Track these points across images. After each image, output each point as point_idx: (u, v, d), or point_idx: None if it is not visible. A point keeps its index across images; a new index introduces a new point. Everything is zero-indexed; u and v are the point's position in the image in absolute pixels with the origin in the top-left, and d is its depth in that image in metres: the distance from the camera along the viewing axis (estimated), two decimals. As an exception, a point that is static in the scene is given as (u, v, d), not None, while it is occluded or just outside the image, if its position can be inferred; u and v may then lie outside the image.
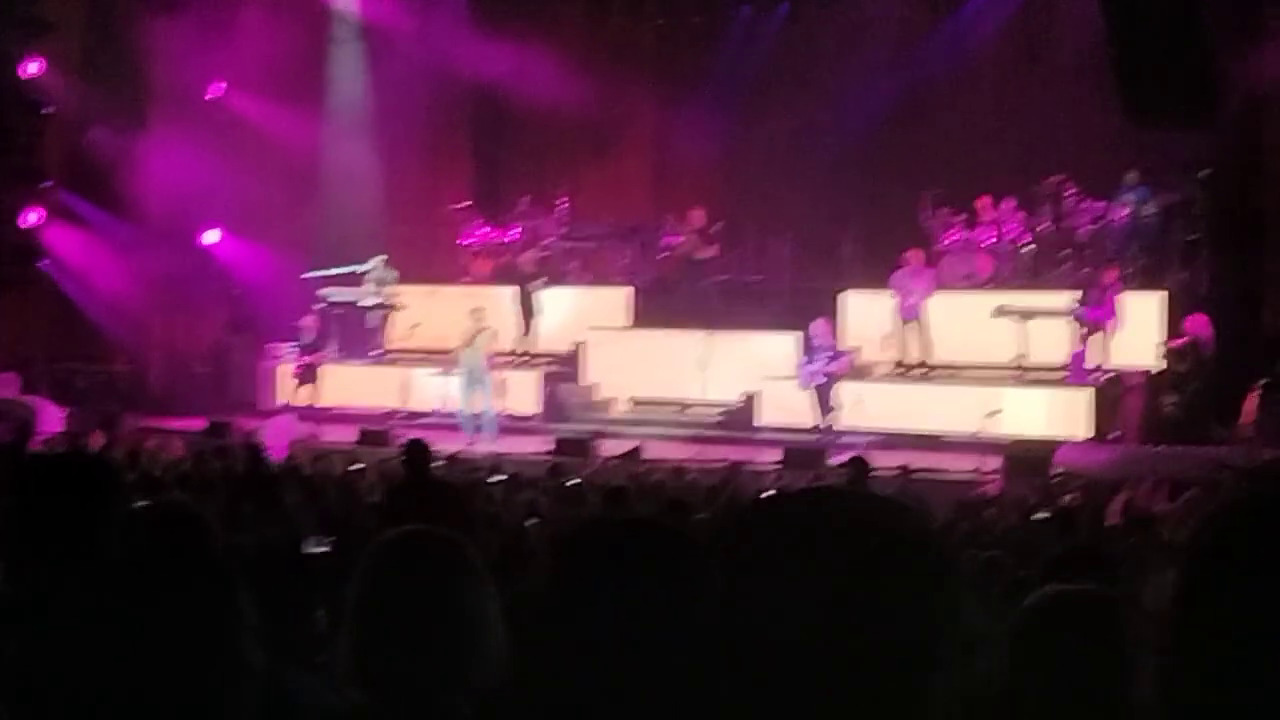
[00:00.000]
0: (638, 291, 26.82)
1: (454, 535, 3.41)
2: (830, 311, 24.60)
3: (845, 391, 22.67)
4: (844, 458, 19.55)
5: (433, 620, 3.20)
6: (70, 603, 3.32)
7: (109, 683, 2.51)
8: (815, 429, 22.50)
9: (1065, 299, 22.57)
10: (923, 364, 23.77)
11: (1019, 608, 2.84)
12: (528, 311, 26.44)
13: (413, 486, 11.69)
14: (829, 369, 22.58)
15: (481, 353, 23.88)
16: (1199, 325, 21.60)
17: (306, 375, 25.81)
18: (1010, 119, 25.77)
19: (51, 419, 24.42)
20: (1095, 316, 22.16)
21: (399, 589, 3.24)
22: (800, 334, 23.60)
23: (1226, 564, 1.65)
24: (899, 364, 24.02)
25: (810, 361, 22.67)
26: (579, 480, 17.23)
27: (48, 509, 3.50)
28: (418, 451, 12.21)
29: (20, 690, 3.23)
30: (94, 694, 2.49)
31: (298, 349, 26.28)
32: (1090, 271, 23.34)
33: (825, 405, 22.62)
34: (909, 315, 23.70)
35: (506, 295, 26.55)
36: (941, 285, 23.98)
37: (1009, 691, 2.57)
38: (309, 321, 26.34)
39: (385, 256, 27.23)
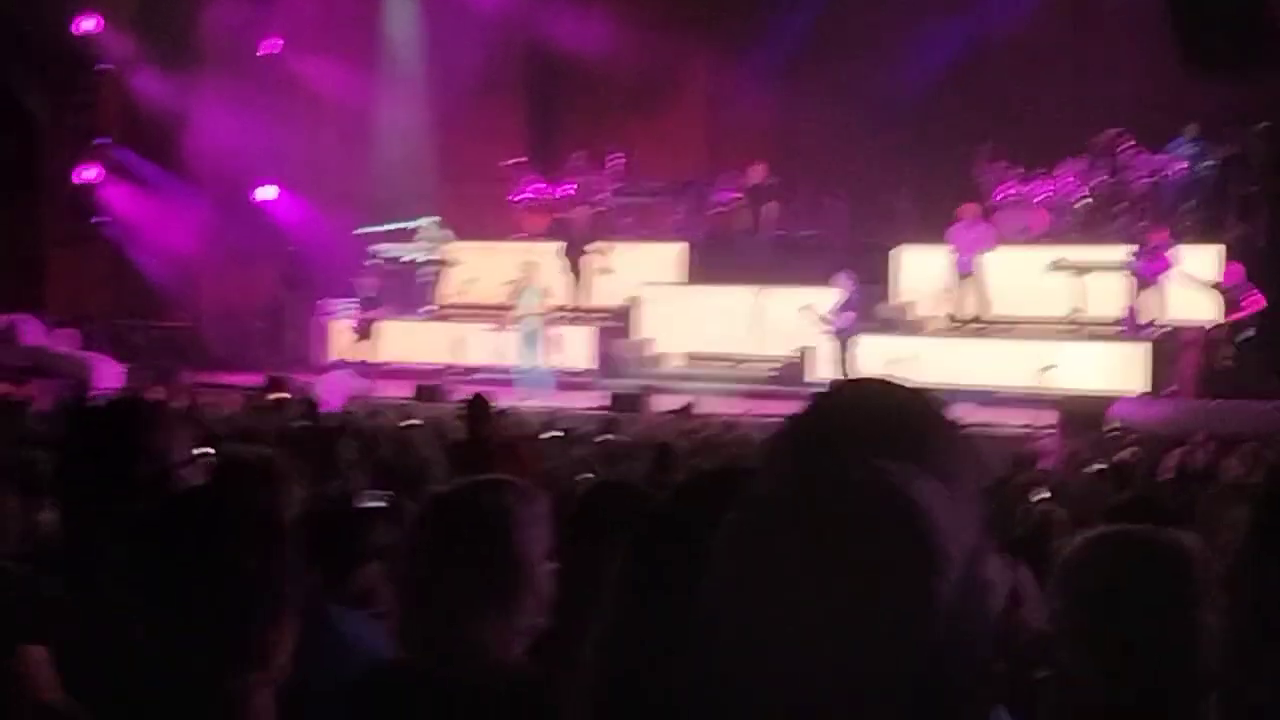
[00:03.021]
0: (691, 247, 26.76)
1: (501, 480, 3.40)
2: (885, 266, 24.56)
3: (890, 347, 22.58)
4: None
5: (478, 572, 3.19)
6: (122, 545, 3.35)
7: (158, 623, 2.52)
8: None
9: (1121, 253, 22.43)
10: (978, 319, 23.66)
11: (1075, 545, 2.80)
12: (578, 269, 26.39)
13: (473, 442, 11.73)
14: (839, 323, 22.54)
15: (533, 308, 23.90)
16: (1254, 302, 21.32)
17: (362, 330, 25.90)
18: (1066, 72, 25.58)
19: (109, 375, 24.56)
20: (1149, 271, 22.00)
21: (440, 547, 3.23)
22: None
23: None
24: (953, 319, 23.92)
25: (837, 314, 22.71)
26: (629, 437, 17.24)
27: (100, 454, 3.51)
28: (479, 408, 12.22)
29: (72, 632, 3.25)
30: (143, 634, 2.50)
31: (356, 305, 26.34)
32: (1144, 226, 23.19)
33: (844, 359, 22.60)
34: (965, 270, 23.59)
35: (557, 251, 26.50)
36: (997, 240, 23.85)
37: (1069, 630, 2.54)
38: (364, 277, 26.39)
39: (439, 218, 27.25)
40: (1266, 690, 1.80)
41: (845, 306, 22.75)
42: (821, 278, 23.42)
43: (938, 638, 1.64)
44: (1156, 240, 22.24)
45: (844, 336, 22.70)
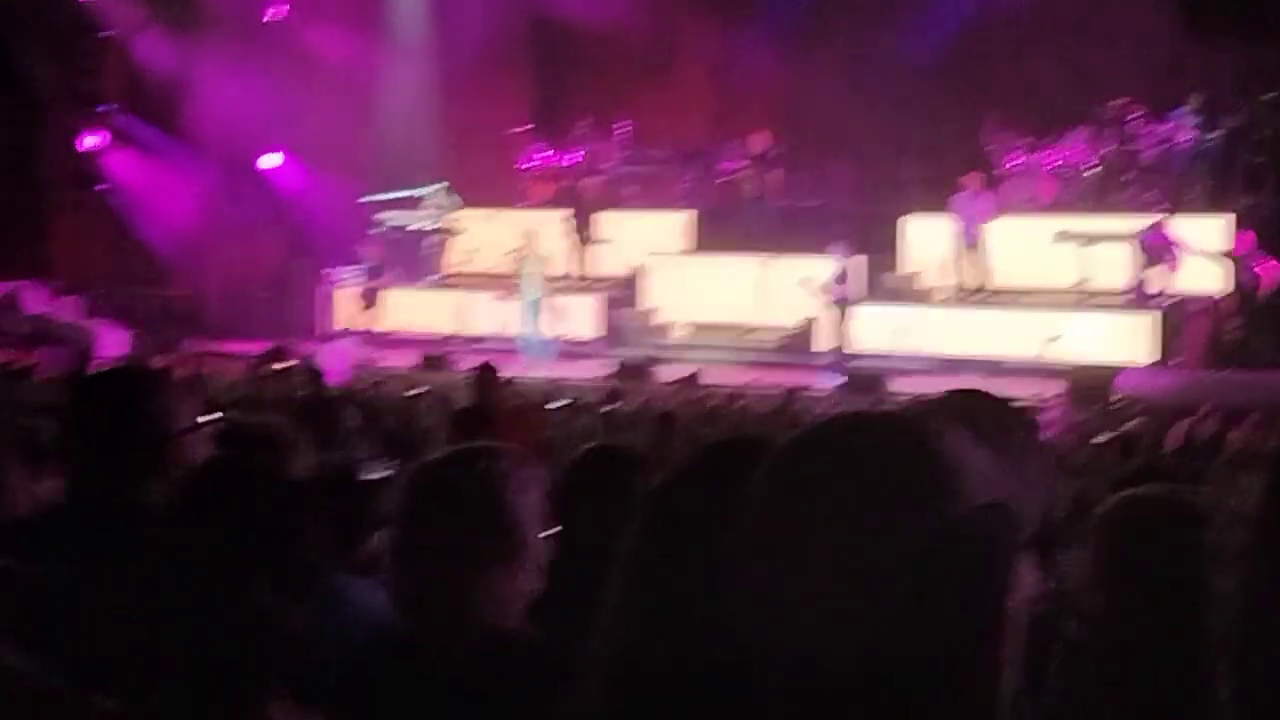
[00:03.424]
0: (697, 216, 26.72)
1: (493, 446, 3.37)
2: (892, 235, 24.54)
3: (896, 316, 22.56)
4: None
5: (475, 537, 3.17)
6: (135, 514, 3.32)
7: (169, 594, 2.49)
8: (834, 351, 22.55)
9: (1129, 223, 22.39)
10: (981, 289, 23.60)
11: (1099, 513, 2.80)
12: (584, 238, 26.31)
13: (479, 410, 11.70)
14: (836, 293, 22.51)
15: (535, 277, 23.87)
16: (1270, 270, 21.27)
17: (366, 299, 25.85)
18: (1074, 41, 25.46)
19: (113, 343, 24.58)
20: (1157, 241, 21.95)
21: (434, 513, 3.21)
22: (866, 257, 23.68)
23: None
24: (960, 289, 23.88)
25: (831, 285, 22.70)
26: (635, 407, 17.24)
27: (104, 422, 3.48)
28: (487, 376, 12.19)
29: (75, 601, 3.22)
30: (151, 604, 2.47)
31: (361, 273, 26.29)
32: (1154, 194, 23.17)
33: (841, 328, 22.60)
34: (969, 240, 23.55)
35: (563, 219, 26.44)
36: (1004, 209, 23.80)
37: (1093, 595, 2.54)
38: (369, 245, 26.34)
39: (447, 184, 27.21)
40: (1277, 662, 1.77)
41: (840, 276, 22.69)
42: (830, 247, 23.37)
43: (932, 575, 1.62)
44: (1161, 223, 22.21)
45: (842, 306, 22.66)
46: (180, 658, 2.41)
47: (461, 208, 27.38)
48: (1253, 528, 1.75)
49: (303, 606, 2.55)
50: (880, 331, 22.47)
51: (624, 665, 2.10)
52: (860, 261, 23.58)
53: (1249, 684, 1.85)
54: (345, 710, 2.94)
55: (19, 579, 3.29)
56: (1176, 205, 22.62)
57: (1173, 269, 21.91)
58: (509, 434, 9.61)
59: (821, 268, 23.00)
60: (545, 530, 3.27)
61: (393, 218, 27.46)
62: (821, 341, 22.97)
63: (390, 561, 3.32)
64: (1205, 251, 21.73)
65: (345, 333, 25.71)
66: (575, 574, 3.15)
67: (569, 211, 26.48)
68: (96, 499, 3.43)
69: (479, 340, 24.57)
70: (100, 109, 30.09)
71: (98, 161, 30.06)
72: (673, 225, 26.76)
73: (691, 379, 21.30)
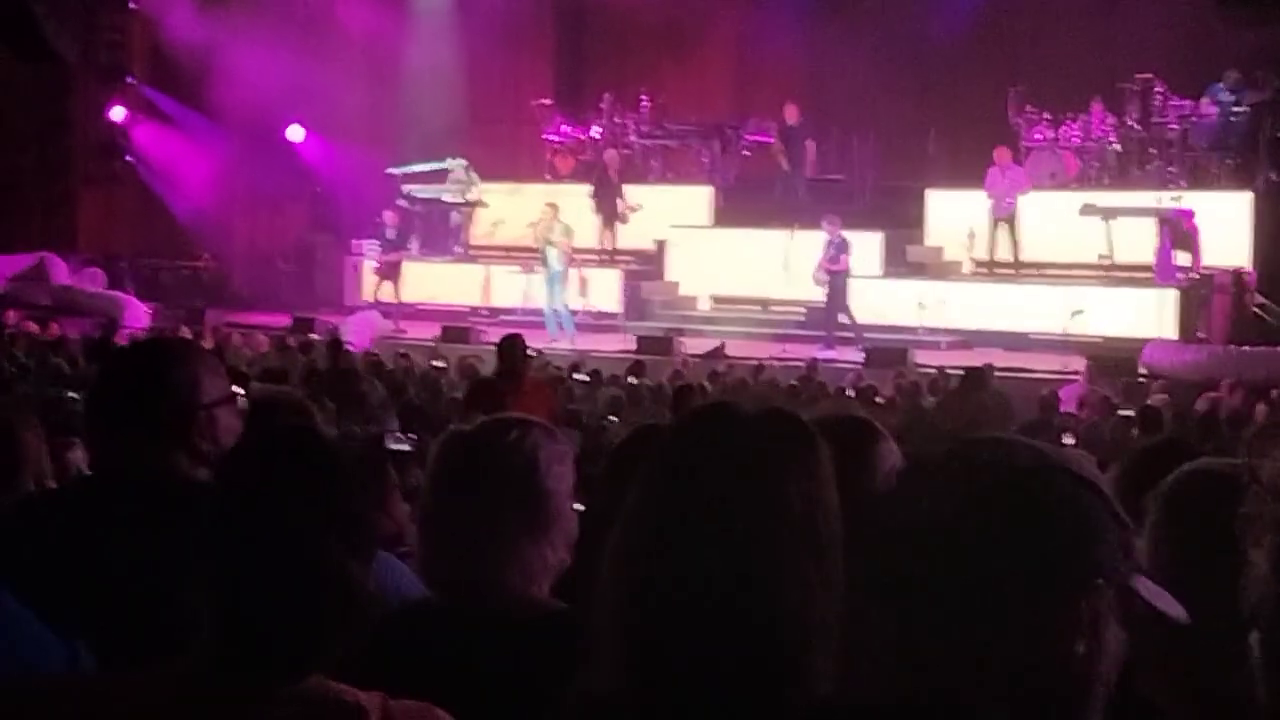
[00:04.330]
0: (719, 190, 26.69)
1: (525, 419, 3.39)
2: (914, 211, 24.50)
3: (920, 290, 22.51)
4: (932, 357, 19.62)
5: (499, 514, 3.18)
6: (163, 486, 3.35)
7: (235, 560, 2.50)
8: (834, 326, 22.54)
9: (1152, 198, 22.34)
10: (1011, 263, 23.52)
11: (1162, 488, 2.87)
12: (607, 212, 26.11)
13: (502, 380, 11.70)
14: (831, 266, 22.44)
15: (559, 249, 23.86)
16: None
17: (389, 272, 25.81)
18: (1097, 16, 25.37)
19: (137, 315, 24.65)
20: (1180, 216, 21.90)
21: (465, 482, 3.22)
22: (882, 233, 23.67)
23: None
24: (981, 263, 23.82)
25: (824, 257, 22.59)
26: (660, 381, 17.28)
27: (131, 393, 3.50)
28: (512, 347, 12.17)
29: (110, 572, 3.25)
30: (212, 571, 2.49)
31: (380, 245, 26.31)
32: (1176, 170, 23.14)
33: (835, 303, 22.49)
34: (1001, 213, 23.39)
35: (587, 193, 26.35)
36: (1030, 183, 23.75)
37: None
38: (391, 217, 26.34)
39: (466, 161, 27.15)
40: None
41: (834, 250, 22.53)
42: (853, 221, 23.34)
43: None
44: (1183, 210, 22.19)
45: (835, 282, 22.48)
46: (243, 622, 2.43)
47: (480, 184, 27.32)
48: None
49: (371, 569, 2.58)
50: (903, 305, 22.43)
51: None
52: (873, 237, 23.58)
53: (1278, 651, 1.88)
54: (371, 682, 2.96)
55: (51, 548, 3.32)
56: (1197, 181, 22.56)
57: (1194, 250, 21.86)
58: (528, 406, 9.61)
59: (808, 244, 22.95)
60: (576, 503, 3.29)
61: (417, 190, 27.45)
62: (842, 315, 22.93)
63: (420, 532, 3.34)
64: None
65: (370, 305, 25.72)
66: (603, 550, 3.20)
67: (592, 186, 26.35)
68: (124, 471, 3.45)
69: (503, 312, 24.57)
70: (126, 81, 30.14)
71: (124, 134, 30.11)
72: (695, 198, 26.72)
73: (717, 351, 21.33)
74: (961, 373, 16.93)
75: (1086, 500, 1.95)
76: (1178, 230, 21.89)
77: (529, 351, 13.21)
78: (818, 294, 22.99)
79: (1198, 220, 21.83)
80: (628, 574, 2.18)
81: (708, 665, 2.10)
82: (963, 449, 1.98)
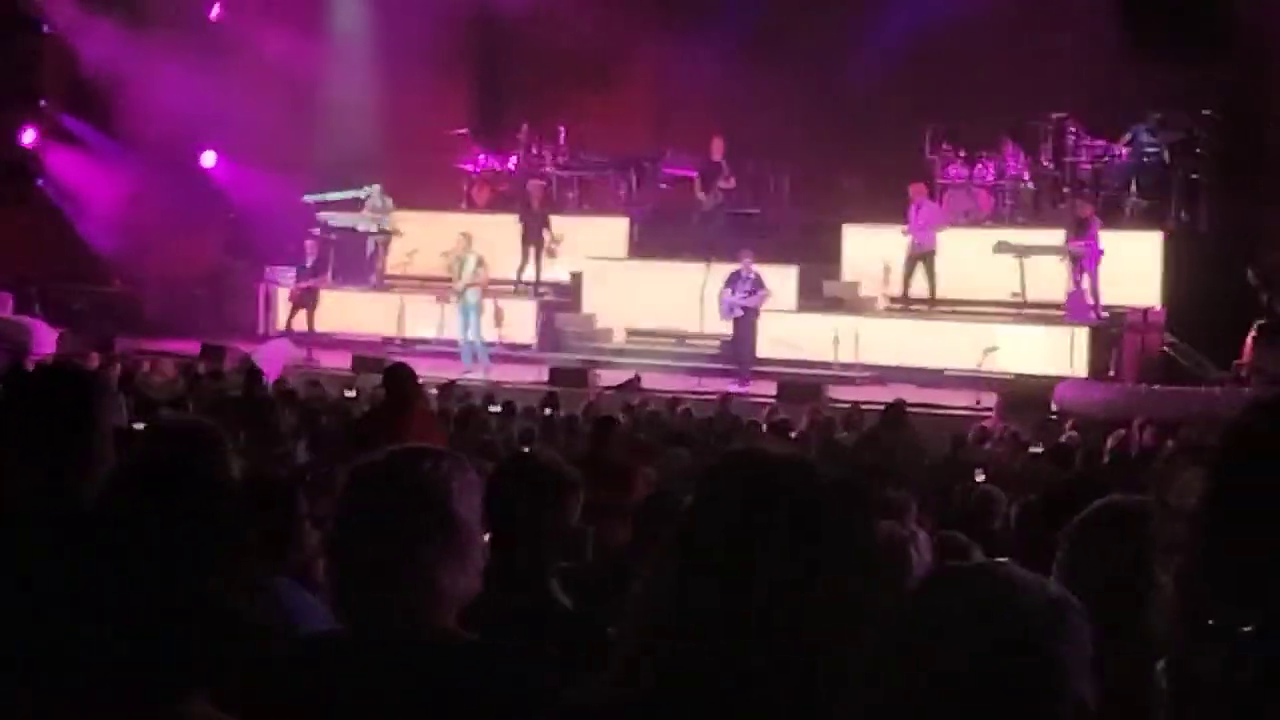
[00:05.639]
0: (635, 222, 26.71)
1: (435, 449, 3.37)
2: (830, 246, 24.61)
3: (835, 325, 22.57)
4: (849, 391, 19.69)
5: (410, 540, 3.16)
6: (66, 513, 3.30)
7: (99, 595, 2.47)
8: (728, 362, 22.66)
9: (1064, 236, 22.55)
10: (927, 300, 23.61)
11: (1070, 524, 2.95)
12: (526, 243, 25.94)
13: (388, 411, 11.49)
14: (746, 302, 22.51)
15: (470, 279, 23.80)
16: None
17: (304, 300, 25.67)
18: (1013, 55, 25.57)
19: (46, 340, 24.36)
20: (1087, 253, 22.09)
21: (379, 512, 3.19)
22: (797, 267, 23.77)
23: (1257, 464, 1.64)
24: (896, 299, 23.94)
25: (733, 292, 22.60)
26: (574, 413, 17.25)
27: (38, 420, 3.46)
28: (396, 377, 11.89)
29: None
30: (85, 597, 2.46)
31: (296, 273, 26.16)
32: (1069, 205, 23.37)
33: (741, 338, 22.56)
34: (922, 247, 23.47)
35: (502, 224, 26.23)
36: (947, 219, 23.90)
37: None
38: (311, 246, 26.21)
39: (380, 185, 27.09)
40: (1213, 661, 1.80)
41: (746, 285, 22.58)
42: (769, 255, 23.42)
43: None
44: (1085, 213, 22.38)
45: (749, 317, 22.54)
46: (114, 650, 2.40)
47: (394, 209, 27.24)
48: (1191, 525, 1.79)
49: (245, 602, 2.55)
50: (818, 339, 22.48)
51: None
52: (788, 271, 23.69)
53: (1185, 677, 1.89)
54: (276, 715, 2.92)
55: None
56: (1109, 220, 22.78)
57: (1092, 270, 22.06)
58: (418, 438, 9.35)
59: (715, 277, 23.05)
60: (484, 532, 3.26)
61: (333, 218, 27.33)
62: (762, 349, 22.96)
63: (329, 562, 3.30)
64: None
65: (283, 333, 25.56)
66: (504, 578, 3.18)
67: (511, 217, 26.24)
68: (27, 498, 3.41)
69: (417, 343, 24.47)
70: (40, 105, 29.89)
71: (36, 157, 29.85)
72: (612, 230, 26.73)
73: (631, 384, 21.34)
74: (880, 408, 16.99)
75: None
76: (1085, 266, 22.09)
77: (419, 381, 13.00)
78: (731, 329, 23.03)
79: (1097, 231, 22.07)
80: (668, 602, 2.24)
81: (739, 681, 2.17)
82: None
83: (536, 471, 4.23)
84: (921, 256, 23.51)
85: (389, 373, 12.20)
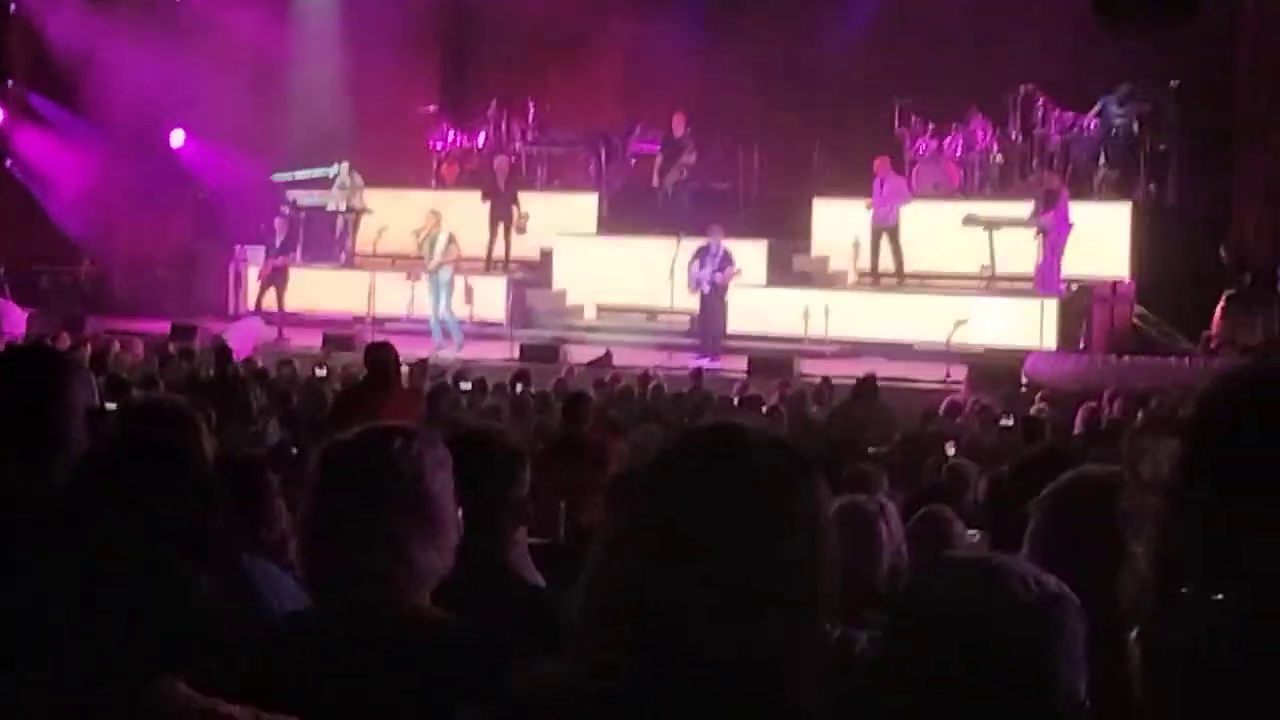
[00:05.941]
0: (605, 198, 26.69)
1: (407, 426, 3.37)
2: (800, 219, 24.64)
3: (805, 300, 22.58)
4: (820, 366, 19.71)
5: (383, 519, 3.15)
6: (38, 496, 3.29)
7: (77, 569, 2.47)
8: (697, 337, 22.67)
9: (1031, 209, 22.58)
10: (895, 274, 23.65)
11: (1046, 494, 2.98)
12: (495, 220, 25.92)
13: (368, 389, 11.50)
14: (714, 278, 22.48)
15: (441, 257, 23.76)
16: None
17: (274, 279, 25.59)
18: (981, 27, 25.61)
19: (14, 321, 24.28)
20: (1050, 223, 22.13)
21: (352, 490, 3.18)
22: (766, 241, 23.79)
23: (1231, 433, 1.64)
24: (866, 273, 23.96)
25: (702, 267, 22.57)
26: (546, 389, 17.24)
27: (9, 400, 3.45)
28: (378, 356, 11.91)
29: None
30: (57, 578, 2.46)
31: (265, 252, 26.09)
32: (1037, 178, 23.41)
33: (711, 314, 22.57)
34: (882, 222, 23.50)
35: (471, 200, 26.18)
36: (912, 193, 23.92)
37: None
38: (277, 224, 26.13)
39: (349, 162, 27.02)
40: (1184, 631, 1.81)
41: (720, 260, 22.56)
42: (739, 230, 23.41)
43: None
44: (1054, 185, 22.42)
45: (710, 290, 22.53)
46: (85, 631, 2.40)
47: (363, 187, 27.17)
48: (1163, 495, 1.79)
49: (218, 582, 2.54)
50: (789, 314, 22.50)
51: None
52: (758, 245, 23.70)
53: (1157, 647, 1.89)
54: (252, 696, 2.92)
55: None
56: (1078, 192, 22.82)
57: (1064, 243, 22.10)
58: (398, 416, 9.39)
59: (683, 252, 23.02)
60: (457, 509, 3.26)
61: (302, 197, 27.25)
62: (734, 324, 22.96)
63: (302, 542, 3.29)
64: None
65: (253, 312, 25.49)
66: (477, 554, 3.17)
67: (479, 193, 26.18)
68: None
69: (388, 320, 24.42)
70: (7, 84, 29.72)
71: (3, 137, 29.69)
72: (582, 207, 26.71)
73: (601, 360, 21.33)
74: (851, 382, 17.01)
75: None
76: (1054, 238, 22.11)
77: (401, 360, 12.99)
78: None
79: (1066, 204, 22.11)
80: (633, 578, 2.19)
81: (704, 666, 2.13)
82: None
83: (479, 444, 4.20)
84: (885, 231, 23.52)
85: (370, 350, 12.20)
